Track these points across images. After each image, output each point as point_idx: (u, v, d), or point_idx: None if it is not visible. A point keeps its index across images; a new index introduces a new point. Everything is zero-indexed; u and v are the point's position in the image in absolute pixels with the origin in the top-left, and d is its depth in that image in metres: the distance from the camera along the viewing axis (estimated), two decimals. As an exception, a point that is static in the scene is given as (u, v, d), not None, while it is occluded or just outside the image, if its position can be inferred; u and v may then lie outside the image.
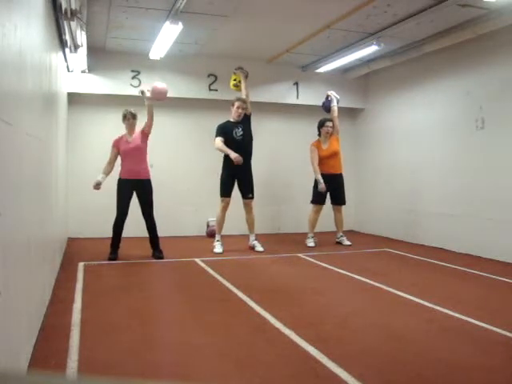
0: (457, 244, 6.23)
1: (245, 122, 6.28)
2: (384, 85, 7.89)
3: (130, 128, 5.65)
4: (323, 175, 6.66)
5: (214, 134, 6.23)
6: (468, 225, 6.07)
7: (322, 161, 6.71)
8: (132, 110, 5.68)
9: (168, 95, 7.40)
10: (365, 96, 8.40)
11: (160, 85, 5.70)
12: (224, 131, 6.18)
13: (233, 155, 5.98)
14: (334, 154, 6.76)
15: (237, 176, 6.25)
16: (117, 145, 5.64)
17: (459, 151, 6.28)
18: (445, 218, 6.45)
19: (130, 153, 5.56)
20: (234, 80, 6.50)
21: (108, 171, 5.59)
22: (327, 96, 7.04)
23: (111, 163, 5.64)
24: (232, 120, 6.26)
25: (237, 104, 6.19)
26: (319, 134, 6.87)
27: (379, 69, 7.50)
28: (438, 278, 4.82)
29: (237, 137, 6.18)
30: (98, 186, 5.48)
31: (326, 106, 7.01)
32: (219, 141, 6.13)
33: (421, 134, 7.00)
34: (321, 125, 6.84)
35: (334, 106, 6.92)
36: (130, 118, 5.62)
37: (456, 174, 6.31)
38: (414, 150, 7.15)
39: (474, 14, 5.23)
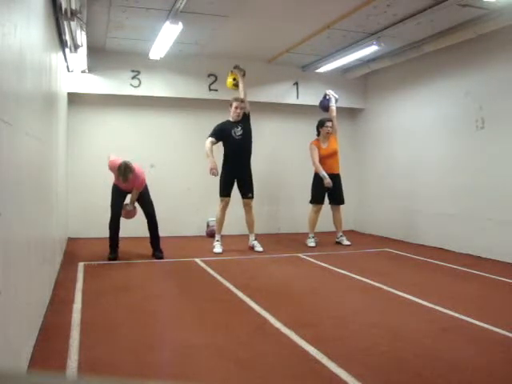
0: (457, 244, 6.23)
1: (244, 121, 6.28)
2: (384, 85, 7.89)
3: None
4: None
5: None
6: (468, 225, 6.07)
7: (322, 160, 6.69)
8: (128, 173, 5.23)
9: (168, 95, 7.43)
10: (364, 96, 8.40)
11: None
12: (222, 131, 6.19)
13: (210, 165, 6.02)
14: (334, 154, 6.77)
15: (236, 176, 6.26)
16: (116, 183, 5.55)
17: (459, 151, 6.27)
18: (445, 217, 6.45)
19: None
20: (234, 80, 6.43)
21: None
22: (325, 95, 6.99)
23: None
24: (231, 120, 6.27)
25: (235, 104, 6.20)
26: (318, 134, 6.86)
27: (379, 69, 7.49)
28: (438, 278, 4.82)
29: (236, 136, 6.19)
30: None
31: (324, 105, 6.96)
32: (209, 142, 6.12)
33: (421, 134, 7.00)
34: (321, 125, 6.81)
35: (333, 105, 6.89)
36: (123, 181, 5.29)
37: (456, 174, 6.30)
38: (413, 149, 7.15)
39: (474, 14, 5.23)
